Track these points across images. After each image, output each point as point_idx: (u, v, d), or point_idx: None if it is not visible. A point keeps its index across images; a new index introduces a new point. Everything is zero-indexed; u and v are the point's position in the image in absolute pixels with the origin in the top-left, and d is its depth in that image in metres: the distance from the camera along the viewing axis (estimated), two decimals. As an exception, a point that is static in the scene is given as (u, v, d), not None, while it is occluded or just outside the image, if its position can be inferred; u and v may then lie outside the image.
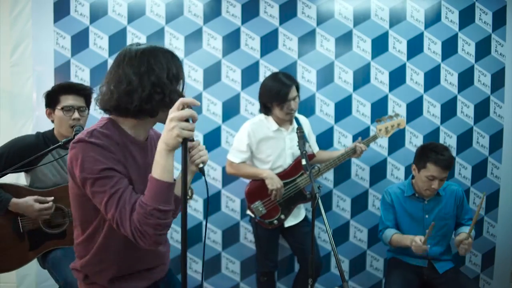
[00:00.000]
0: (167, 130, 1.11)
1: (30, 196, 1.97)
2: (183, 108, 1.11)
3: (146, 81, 1.20)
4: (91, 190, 1.15)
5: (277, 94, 2.35)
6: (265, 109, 2.46)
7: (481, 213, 2.93)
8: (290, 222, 2.53)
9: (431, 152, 2.20)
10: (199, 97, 2.87)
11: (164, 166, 1.13)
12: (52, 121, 2.10)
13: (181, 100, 1.12)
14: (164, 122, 1.18)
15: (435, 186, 2.21)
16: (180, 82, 1.29)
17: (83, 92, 2.07)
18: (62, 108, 2.01)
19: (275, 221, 2.48)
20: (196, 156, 1.25)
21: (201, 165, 1.25)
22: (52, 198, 2.00)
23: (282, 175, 2.45)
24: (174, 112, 1.11)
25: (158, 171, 1.13)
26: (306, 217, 2.63)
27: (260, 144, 2.47)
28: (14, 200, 1.95)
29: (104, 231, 1.26)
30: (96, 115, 2.87)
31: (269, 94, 2.39)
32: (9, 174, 1.96)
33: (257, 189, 2.46)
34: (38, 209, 1.95)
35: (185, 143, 1.13)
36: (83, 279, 1.34)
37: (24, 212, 1.96)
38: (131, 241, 1.15)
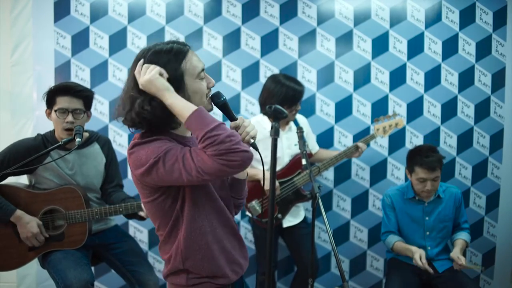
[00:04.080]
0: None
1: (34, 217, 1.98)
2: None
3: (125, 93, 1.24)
4: (165, 169, 1.13)
5: (293, 97, 2.38)
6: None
7: (481, 213, 2.93)
8: (288, 222, 2.52)
9: (416, 155, 2.26)
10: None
11: (184, 102, 1.16)
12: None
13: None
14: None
15: (428, 187, 2.23)
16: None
17: (80, 93, 1.99)
18: (56, 110, 1.96)
19: None
20: (244, 134, 1.26)
21: (251, 141, 1.26)
22: (47, 235, 2.00)
23: (279, 174, 2.44)
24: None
25: (188, 106, 1.15)
26: (305, 218, 2.62)
27: (257, 144, 2.45)
28: (19, 212, 1.94)
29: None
30: (97, 115, 2.87)
31: (283, 98, 2.36)
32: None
33: (254, 188, 2.44)
34: (35, 233, 1.95)
35: (254, 145, 1.22)
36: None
37: (20, 226, 1.95)
38: None
